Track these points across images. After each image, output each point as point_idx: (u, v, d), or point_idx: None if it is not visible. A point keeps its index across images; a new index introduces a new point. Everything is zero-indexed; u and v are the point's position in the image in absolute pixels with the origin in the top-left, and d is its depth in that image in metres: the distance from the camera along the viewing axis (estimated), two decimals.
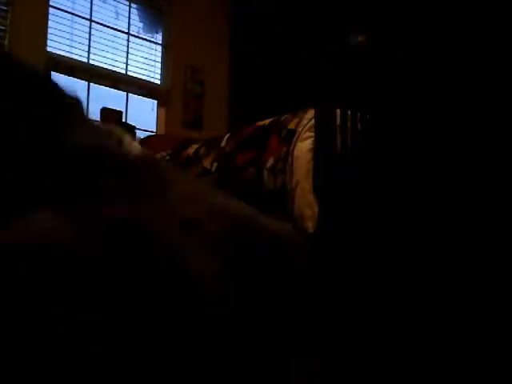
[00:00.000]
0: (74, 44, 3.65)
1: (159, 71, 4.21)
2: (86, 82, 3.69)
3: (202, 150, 1.90)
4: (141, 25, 4.15)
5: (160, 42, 4.23)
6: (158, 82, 4.19)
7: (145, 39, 4.15)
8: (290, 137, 1.43)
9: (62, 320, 0.42)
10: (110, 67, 3.85)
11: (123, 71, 3.94)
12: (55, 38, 3.51)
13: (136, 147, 0.62)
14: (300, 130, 1.41)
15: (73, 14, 3.67)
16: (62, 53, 3.56)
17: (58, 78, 3.71)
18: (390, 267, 0.64)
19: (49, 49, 3.46)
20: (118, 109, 3.61)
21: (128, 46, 4.01)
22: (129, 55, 4.01)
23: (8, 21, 3.24)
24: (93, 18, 3.78)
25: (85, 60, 3.69)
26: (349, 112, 1.15)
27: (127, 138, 0.62)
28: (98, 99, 3.71)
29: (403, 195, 0.56)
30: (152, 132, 4.07)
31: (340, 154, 1.15)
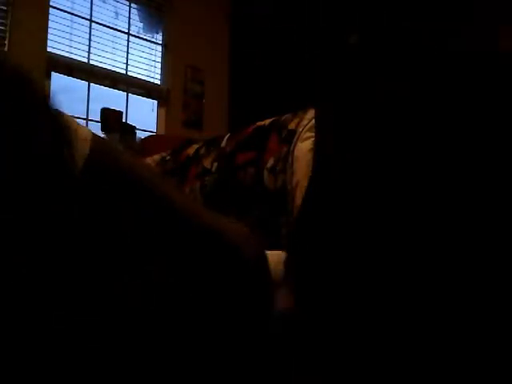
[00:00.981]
0: (74, 44, 3.65)
1: (159, 71, 4.21)
2: (86, 82, 3.69)
3: (202, 150, 1.90)
4: (141, 25, 4.15)
5: (160, 42, 4.23)
6: (158, 82, 4.19)
7: (145, 39, 4.15)
8: (290, 137, 1.43)
9: None
10: (109, 67, 3.84)
11: (123, 71, 3.94)
12: (55, 38, 3.51)
13: (85, 132, 0.59)
14: (300, 130, 1.41)
15: (73, 14, 3.67)
16: (62, 53, 3.55)
17: (58, 78, 3.71)
18: (389, 267, 0.64)
19: (49, 49, 3.46)
20: (118, 109, 3.61)
21: (128, 46, 4.01)
22: (129, 55, 4.01)
23: (8, 21, 3.24)
24: (93, 18, 3.78)
25: (85, 60, 3.69)
26: (348, 112, 1.15)
27: (74, 123, 0.59)
28: (97, 99, 3.71)
29: (404, 196, 0.56)
30: (152, 132, 4.07)
31: (340, 154, 1.15)
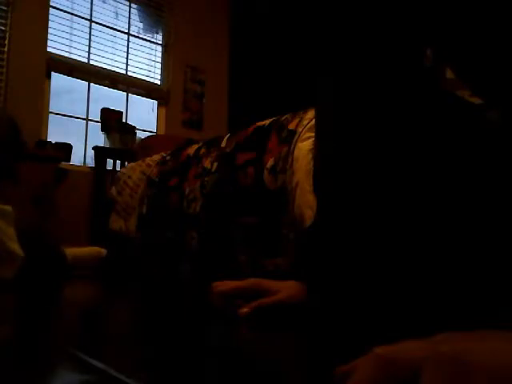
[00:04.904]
0: (74, 44, 3.65)
1: (159, 71, 4.21)
2: (86, 82, 3.69)
3: (202, 150, 1.90)
4: (141, 25, 4.15)
5: (160, 42, 4.23)
6: (158, 82, 4.19)
7: (145, 39, 4.15)
8: (290, 137, 1.43)
9: None
10: (109, 67, 3.85)
11: (123, 71, 3.94)
12: (55, 38, 3.51)
13: None
14: (300, 130, 1.41)
15: (73, 14, 3.67)
16: (62, 53, 3.56)
17: (58, 78, 3.70)
18: (389, 268, 0.64)
19: (49, 49, 3.46)
20: (118, 109, 3.62)
21: (128, 46, 4.01)
22: (129, 55, 4.01)
23: (8, 21, 3.24)
24: (93, 18, 3.78)
25: (85, 60, 3.69)
26: (348, 112, 1.14)
27: None
28: (98, 99, 3.71)
29: (405, 197, 0.55)
30: (152, 132, 4.07)
31: (340, 154, 1.15)
